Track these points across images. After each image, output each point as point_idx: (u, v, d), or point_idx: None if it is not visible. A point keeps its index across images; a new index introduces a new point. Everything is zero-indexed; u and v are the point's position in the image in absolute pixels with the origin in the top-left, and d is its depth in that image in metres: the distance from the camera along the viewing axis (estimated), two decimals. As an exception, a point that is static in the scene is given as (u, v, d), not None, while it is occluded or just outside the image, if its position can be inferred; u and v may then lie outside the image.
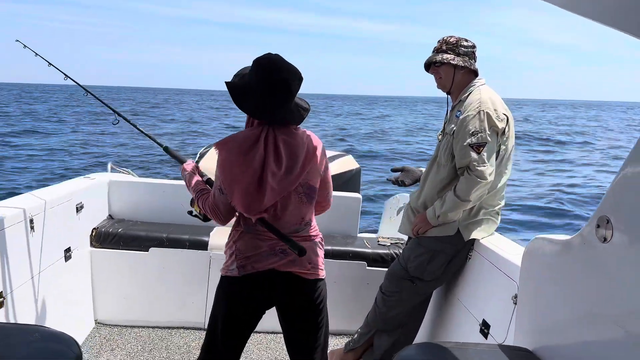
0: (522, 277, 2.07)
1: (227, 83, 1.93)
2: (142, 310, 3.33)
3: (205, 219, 2.13)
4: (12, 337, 1.58)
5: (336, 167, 4.56)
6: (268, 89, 1.87)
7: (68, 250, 2.92)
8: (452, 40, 2.69)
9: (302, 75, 1.95)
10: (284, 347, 2.21)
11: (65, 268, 2.88)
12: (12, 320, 2.27)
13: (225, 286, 2.02)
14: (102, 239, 3.24)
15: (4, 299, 2.22)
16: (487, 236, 2.71)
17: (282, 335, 2.19)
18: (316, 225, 2.13)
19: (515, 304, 2.15)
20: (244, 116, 2.00)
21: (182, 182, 2.30)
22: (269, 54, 1.92)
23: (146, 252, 3.24)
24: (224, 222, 2.00)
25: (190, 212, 2.18)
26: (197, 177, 2.20)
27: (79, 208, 3.05)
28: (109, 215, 3.56)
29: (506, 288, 2.29)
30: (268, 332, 3.35)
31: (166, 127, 30.53)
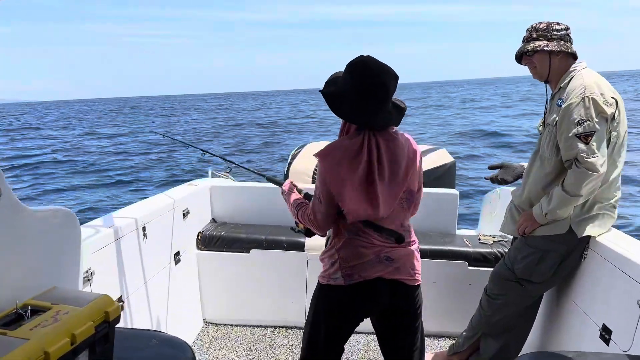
0: None
1: (322, 92, 1.92)
2: (246, 310, 3.46)
3: (309, 233, 2.16)
4: (133, 341, 1.69)
5: (430, 161, 4.44)
6: (366, 93, 1.83)
7: (177, 254, 3.11)
8: (541, 26, 2.48)
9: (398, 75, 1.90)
10: None
11: (175, 271, 3.06)
12: (130, 324, 2.45)
13: (329, 295, 2.00)
14: (207, 242, 3.41)
15: (123, 302, 2.40)
16: (603, 233, 2.48)
17: None
18: (412, 230, 2.08)
19: None
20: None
21: (269, 185, 2.32)
22: (362, 57, 1.88)
23: (247, 254, 3.36)
24: (322, 230, 1.99)
25: (293, 228, 2.22)
26: (295, 195, 2.22)
27: (185, 214, 3.23)
28: (212, 218, 3.73)
29: (630, 291, 2.07)
30: (369, 333, 3.34)
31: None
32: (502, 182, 2.90)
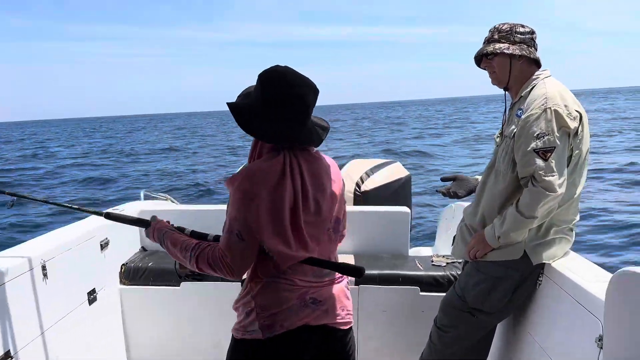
0: (608, 318, 1.62)
1: (229, 104, 1.62)
2: (177, 348, 3.10)
3: (199, 276, 1.77)
4: None
5: (384, 176, 4.20)
6: (282, 105, 1.57)
7: (92, 292, 2.74)
8: (505, 27, 2.27)
9: (317, 87, 1.63)
10: None
11: (89, 312, 2.70)
12: None
13: (244, 352, 1.68)
14: (131, 275, 3.05)
15: (11, 358, 2.04)
16: (560, 258, 2.26)
17: None
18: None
19: (601, 347, 1.71)
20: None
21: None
22: (277, 67, 1.61)
23: (177, 287, 3.01)
24: (238, 275, 1.61)
25: (180, 276, 1.82)
26: (177, 234, 1.77)
27: (103, 245, 2.87)
28: (142, 247, 3.37)
29: (588, 326, 1.84)
30: None
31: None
32: (455, 195, 2.66)
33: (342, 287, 1.76)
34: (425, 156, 20.53)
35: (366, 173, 4.15)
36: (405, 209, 3.38)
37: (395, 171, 4.35)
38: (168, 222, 1.89)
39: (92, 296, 2.73)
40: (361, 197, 4.02)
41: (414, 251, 4.02)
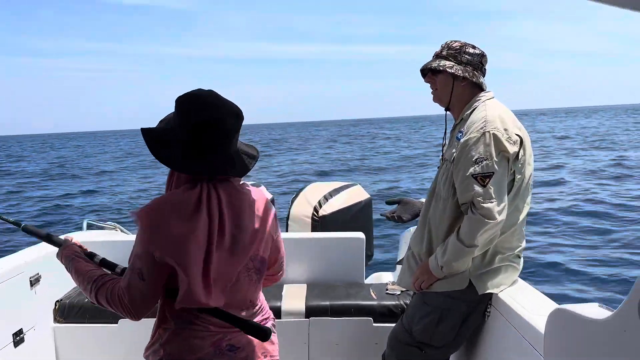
0: (547, 357, 1.52)
1: (143, 130, 1.49)
2: None
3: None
4: None
5: (343, 200, 4.08)
6: (196, 133, 1.43)
7: (19, 332, 2.55)
8: (455, 45, 2.19)
9: (241, 111, 1.50)
10: None
11: (15, 355, 2.50)
12: None
13: None
14: (66, 312, 2.86)
15: None
16: (507, 287, 2.16)
17: None
18: (266, 304, 1.67)
19: None
20: None
21: None
22: (198, 90, 1.49)
23: (115, 325, 2.83)
24: (138, 317, 1.48)
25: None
26: (85, 262, 1.63)
27: (33, 281, 2.69)
28: None
29: None
30: None
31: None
32: (399, 220, 2.56)
33: None
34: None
35: (324, 197, 4.02)
36: (360, 234, 3.26)
37: (355, 194, 4.24)
38: (80, 246, 1.75)
39: (18, 337, 2.53)
40: (319, 222, 3.88)
41: (374, 277, 3.90)
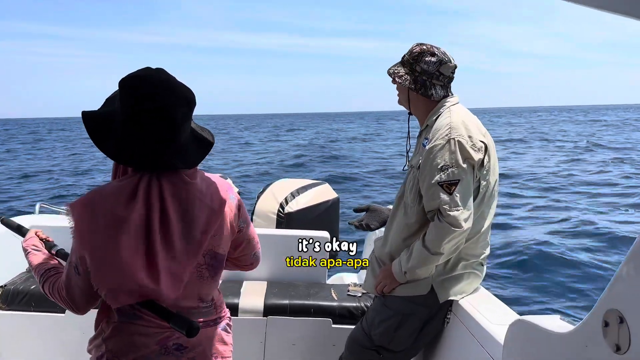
0: None
1: (84, 113, 1.36)
2: None
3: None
4: None
5: (310, 198, 4.02)
6: (138, 122, 1.30)
7: None
8: (416, 50, 2.12)
9: (194, 95, 1.38)
10: None
11: None
12: None
13: None
14: (9, 299, 2.71)
15: None
16: (469, 294, 2.14)
17: None
18: (223, 302, 1.59)
19: None
20: None
21: None
22: (145, 70, 1.36)
23: (62, 315, 2.69)
24: (81, 311, 1.42)
25: None
26: (41, 254, 1.60)
27: None
28: (28, 268, 3.02)
29: None
30: None
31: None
32: (367, 228, 2.52)
33: (218, 331, 1.53)
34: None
35: (292, 194, 3.96)
36: (324, 233, 3.21)
37: (322, 193, 4.19)
38: (46, 238, 1.72)
39: None
40: (285, 219, 3.82)
41: (337, 278, 3.86)
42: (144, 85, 1.31)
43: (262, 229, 3.52)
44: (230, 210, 1.49)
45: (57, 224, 3.19)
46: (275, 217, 3.81)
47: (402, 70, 2.12)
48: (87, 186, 15.67)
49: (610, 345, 0.97)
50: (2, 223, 1.90)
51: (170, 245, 1.34)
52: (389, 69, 2.17)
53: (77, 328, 2.68)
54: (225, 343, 1.55)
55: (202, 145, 1.44)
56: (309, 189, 4.18)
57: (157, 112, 1.29)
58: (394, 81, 2.19)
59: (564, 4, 0.87)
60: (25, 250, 1.66)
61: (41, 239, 1.71)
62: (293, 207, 3.85)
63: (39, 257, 1.59)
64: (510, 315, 1.93)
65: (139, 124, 1.30)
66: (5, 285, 2.74)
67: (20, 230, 1.80)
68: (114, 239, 1.28)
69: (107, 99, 1.43)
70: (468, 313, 1.99)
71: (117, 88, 1.36)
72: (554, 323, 1.25)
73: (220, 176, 1.86)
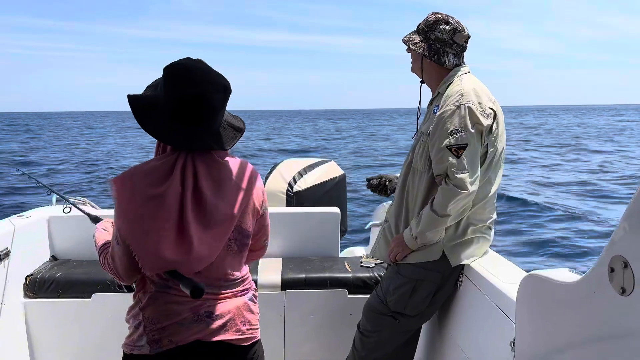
0: (519, 322, 1.59)
1: (129, 97, 1.48)
2: None
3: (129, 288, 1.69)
4: None
5: (317, 176, 4.09)
6: (180, 106, 1.43)
7: None
8: (431, 19, 2.19)
9: (230, 84, 1.50)
10: None
11: None
12: None
13: None
14: (37, 287, 2.81)
15: None
16: (479, 257, 2.23)
17: None
18: (249, 275, 1.68)
19: (514, 351, 1.67)
20: None
21: None
22: (186, 60, 1.48)
23: (89, 299, 2.80)
24: (125, 281, 1.54)
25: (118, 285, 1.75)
26: (108, 233, 1.72)
27: (2, 256, 2.63)
28: (52, 256, 3.12)
29: (503, 328, 1.81)
30: None
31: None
32: (384, 190, 2.61)
33: (245, 300, 1.63)
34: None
35: (299, 173, 4.04)
36: (335, 209, 3.29)
37: (329, 170, 4.26)
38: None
39: None
40: (293, 198, 3.90)
41: (348, 252, 3.96)
42: (186, 73, 1.43)
43: (273, 208, 3.61)
44: (256, 192, 1.60)
45: (73, 214, 3.28)
46: (284, 196, 3.89)
47: (416, 38, 2.18)
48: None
49: (616, 289, 1.05)
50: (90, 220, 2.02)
51: (202, 220, 1.44)
52: (404, 37, 2.23)
53: (104, 312, 2.80)
54: (252, 312, 1.65)
55: (235, 130, 1.57)
56: (316, 167, 4.26)
57: (197, 98, 1.42)
58: (408, 49, 2.25)
59: (557, 3, 0.91)
60: (95, 230, 1.79)
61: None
62: (301, 185, 3.93)
63: (103, 235, 1.71)
64: (520, 273, 2.01)
65: (181, 108, 1.42)
66: (32, 275, 2.84)
67: (96, 220, 1.95)
68: (149, 213, 1.39)
69: (148, 86, 1.56)
70: (480, 274, 2.07)
71: (161, 75, 1.49)
72: (564, 275, 1.33)
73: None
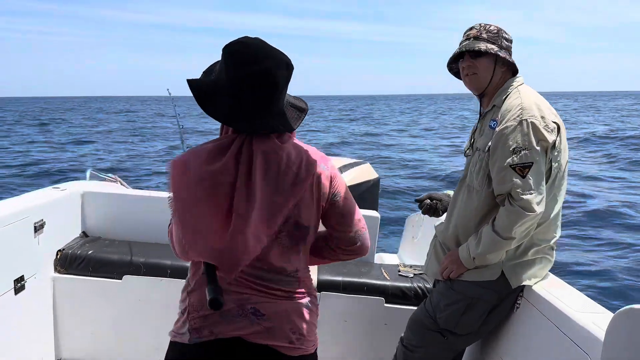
0: (607, 357, 1.47)
1: (189, 81, 1.40)
2: (112, 349, 2.80)
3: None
4: None
5: (351, 177, 4.00)
6: (244, 85, 1.34)
7: (20, 279, 2.41)
8: (492, 28, 2.10)
9: (291, 61, 1.41)
10: None
11: (15, 302, 2.37)
12: None
13: (170, 356, 1.47)
14: (67, 263, 2.72)
15: None
16: (540, 280, 2.12)
17: None
18: (310, 279, 1.56)
19: None
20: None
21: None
22: (244, 38, 1.39)
23: (119, 281, 2.71)
24: (182, 257, 1.45)
25: None
26: None
27: (38, 227, 2.54)
28: (83, 232, 3.04)
29: (567, 354, 1.71)
30: None
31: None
32: (435, 212, 2.46)
33: (299, 305, 1.49)
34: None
35: (334, 172, 3.95)
36: (375, 213, 3.19)
37: (364, 172, 4.18)
38: None
39: (19, 284, 2.40)
40: None
41: (377, 258, 3.85)
42: (248, 51, 1.36)
43: None
44: (319, 181, 1.46)
45: (105, 190, 3.20)
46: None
47: (493, 46, 2.06)
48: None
49: None
50: None
51: (251, 206, 1.35)
52: (473, 45, 2.07)
53: (133, 295, 2.71)
54: (305, 320, 1.49)
55: (297, 110, 1.48)
56: (350, 168, 4.17)
57: (261, 75, 1.34)
58: (470, 60, 2.11)
59: None
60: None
61: None
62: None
63: None
64: (591, 304, 1.90)
65: (244, 87, 1.34)
66: (63, 249, 2.76)
67: None
68: (200, 196, 1.34)
69: (204, 71, 1.47)
70: (544, 298, 1.96)
71: (221, 55, 1.39)
72: None
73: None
